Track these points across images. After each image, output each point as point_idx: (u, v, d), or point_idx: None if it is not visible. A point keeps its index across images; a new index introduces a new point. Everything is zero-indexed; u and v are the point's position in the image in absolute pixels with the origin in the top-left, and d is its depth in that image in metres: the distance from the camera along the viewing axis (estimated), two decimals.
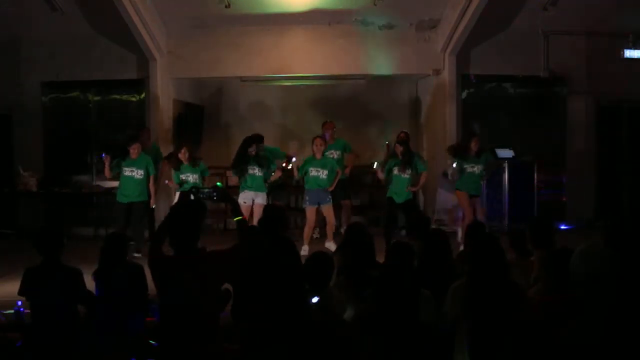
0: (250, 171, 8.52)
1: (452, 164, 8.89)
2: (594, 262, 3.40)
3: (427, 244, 4.83)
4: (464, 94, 10.69)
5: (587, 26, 10.25)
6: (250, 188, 8.50)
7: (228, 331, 4.07)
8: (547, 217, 7.06)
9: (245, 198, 8.44)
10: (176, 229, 3.58)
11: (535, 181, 9.96)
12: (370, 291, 3.66)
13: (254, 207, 8.39)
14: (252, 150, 8.57)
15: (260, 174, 8.52)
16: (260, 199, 8.48)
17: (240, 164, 8.55)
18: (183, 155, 8.51)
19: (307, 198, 8.59)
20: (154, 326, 4.23)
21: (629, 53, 9.84)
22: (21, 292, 4.43)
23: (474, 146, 8.53)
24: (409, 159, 8.44)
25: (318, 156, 8.57)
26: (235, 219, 3.98)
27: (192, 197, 3.85)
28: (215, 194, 3.94)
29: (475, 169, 8.55)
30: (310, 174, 8.53)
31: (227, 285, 4.06)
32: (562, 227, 9.97)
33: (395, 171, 8.42)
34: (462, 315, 3.57)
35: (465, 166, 8.56)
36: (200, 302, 3.48)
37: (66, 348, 4.25)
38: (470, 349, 3.50)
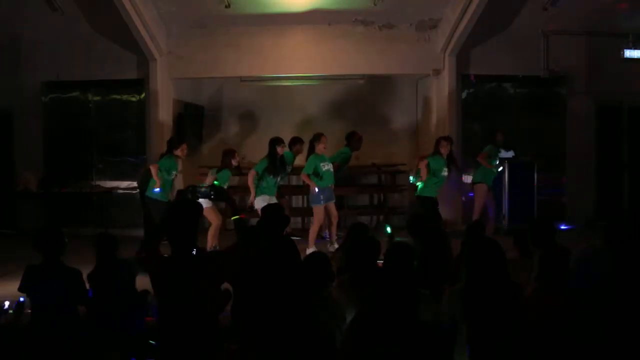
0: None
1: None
2: (593, 262, 3.40)
3: (426, 244, 4.83)
4: (464, 94, 10.69)
5: (587, 26, 10.24)
6: (270, 192, 8.30)
7: (228, 331, 4.07)
8: (547, 217, 7.08)
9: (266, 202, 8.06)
10: (174, 229, 3.57)
11: (535, 181, 9.97)
12: (370, 291, 3.65)
13: None
14: (281, 149, 8.42)
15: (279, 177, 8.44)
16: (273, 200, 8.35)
17: (279, 167, 8.38)
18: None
19: (321, 197, 8.30)
20: (154, 326, 4.23)
21: (629, 53, 9.83)
22: (21, 289, 4.44)
23: (500, 139, 8.67)
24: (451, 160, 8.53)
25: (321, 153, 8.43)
26: (233, 218, 3.98)
27: (189, 196, 3.85)
28: (212, 192, 3.93)
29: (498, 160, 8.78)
30: (324, 169, 8.37)
31: (227, 285, 4.06)
32: (562, 227, 9.98)
33: (445, 171, 8.43)
34: (462, 316, 3.57)
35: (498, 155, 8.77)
36: (199, 302, 3.47)
37: (66, 348, 4.25)
38: (470, 349, 3.50)
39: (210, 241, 8.23)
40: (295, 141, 9.26)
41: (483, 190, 9.02)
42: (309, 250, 7.82)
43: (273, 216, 4.99)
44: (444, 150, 8.40)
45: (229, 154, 8.40)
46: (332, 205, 8.48)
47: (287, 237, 5.46)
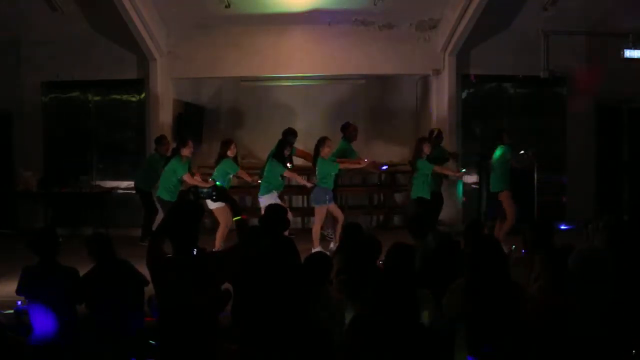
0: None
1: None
2: (592, 262, 3.40)
3: (427, 243, 4.83)
4: (464, 94, 10.69)
5: (587, 26, 10.24)
6: (278, 189, 8.54)
7: (228, 331, 4.07)
8: (547, 218, 7.07)
9: (275, 198, 8.37)
10: (175, 229, 3.57)
11: (535, 181, 9.96)
12: (369, 291, 3.65)
13: None
14: (287, 152, 8.61)
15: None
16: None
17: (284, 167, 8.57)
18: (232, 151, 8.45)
19: (327, 197, 8.38)
20: (154, 326, 4.23)
21: (629, 53, 9.81)
22: (19, 291, 4.44)
23: (506, 140, 8.58)
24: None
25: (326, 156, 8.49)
26: (234, 219, 3.98)
27: (191, 197, 3.84)
28: (214, 193, 3.93)
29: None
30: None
31: (227, 285, 4.06)
32: (562, 227, 9.97)
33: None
34: (462, 315, 3.57)
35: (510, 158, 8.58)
36: (199, 302, 3.47)
37: (66, 348, 4.25)
38: (470, 349, 3.50)
39: (219, 243, 8.23)
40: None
41: (510, 197, 8.76)
42: (315, 250, 7.88)
43: (274, 216, 4.99)
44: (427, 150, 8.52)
45: (224, 144, 8.51)
46: (334, 206, 8.52)
47: (287, 237, 5.47)
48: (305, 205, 11.17)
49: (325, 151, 8.45)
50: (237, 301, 4.19)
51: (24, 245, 4.46)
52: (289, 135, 9.08)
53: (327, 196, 8.38)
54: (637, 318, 3.42)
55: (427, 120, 11.16)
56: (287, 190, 9.98)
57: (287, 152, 8.67)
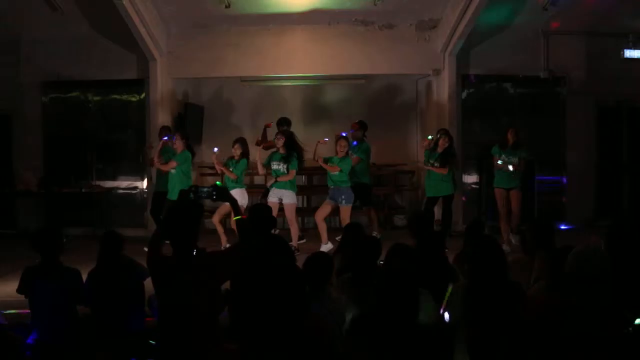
0: (275, 166, 8.23)
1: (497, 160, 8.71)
2: (588, 263, 3.40)
3: (427, 243, 4.83)
4: (464, 94, 10.69)
5: (587, 26, 10.25)
6: (276, 185, 8.24)
7: (228, 331, 4.07)
8: (547, 218, 7.06)
9: (270, 196, 8.21)
10: (175, 229, 3.57)
11: (535, 181, 9.97)
12: (370, 292, 3.65)
13: (283, 206, 8.14)
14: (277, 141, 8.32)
15: (284, 170, 8.15)
16: (288, 198, 8.16)
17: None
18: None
19: (337, 197, 8.38)
20: (154, 326, 4.23)
21: (629, 53, 9.84)
22: (20, 291, 4.44)
23: (510, 138, 8.51)
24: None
25: (340, 155, 8.38)
26: (235, 219, 3.98)
27: (191, 196, 3.84)
28: (214, 193, 3.92)
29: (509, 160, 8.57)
30: (331, 173, 8.45)
31: (227, 285, 4.06)
32: (562, 227, 9.98)
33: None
34: (462, 315, 3.56)
35: (503, 157, 8.53)
36: (199, 302, 3.47)
37: (66, 348, 4.25)
38: (470, 349, 3.50)
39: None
40: (282, 122, 9.31)
41: (498, 194, 8.70)
42: (324, 247, 8.00)
43: (262, 216, 4.96)
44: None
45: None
46: (346, 211, 8.32)
47: (276, 235, 5.45)
48: (305, 205, 11.19)
49: (337, 150, 8.41)
50: (237, 301, 4.19)
51: (28, 245, 4.46)
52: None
53: (339, 196, 8.31)
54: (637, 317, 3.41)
55: (427, 120, 11.16)
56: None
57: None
